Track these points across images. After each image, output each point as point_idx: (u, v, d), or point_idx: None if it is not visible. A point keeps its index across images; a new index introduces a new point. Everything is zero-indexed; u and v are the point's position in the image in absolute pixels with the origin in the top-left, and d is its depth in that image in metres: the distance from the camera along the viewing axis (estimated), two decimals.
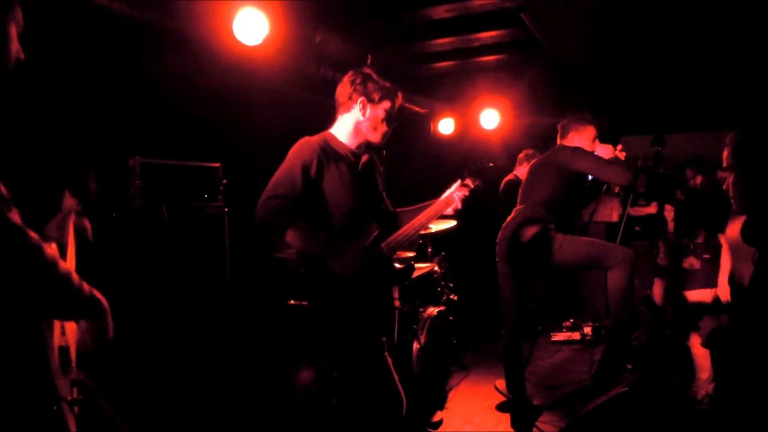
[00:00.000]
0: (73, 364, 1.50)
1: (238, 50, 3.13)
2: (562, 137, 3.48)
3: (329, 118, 2.32)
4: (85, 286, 1.30)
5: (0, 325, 1.20)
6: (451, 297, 4.26)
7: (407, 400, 2.24)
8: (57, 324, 1.42)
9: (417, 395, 3.14)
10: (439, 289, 4.16)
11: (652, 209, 5.22)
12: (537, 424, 3.33)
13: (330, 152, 2.18)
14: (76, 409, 1.42)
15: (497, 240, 3.42)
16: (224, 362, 3.16)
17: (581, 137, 3.40)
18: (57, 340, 1.40)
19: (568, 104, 4.69)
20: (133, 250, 2.76)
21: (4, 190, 1.13)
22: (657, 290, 4.35)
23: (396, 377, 2.23)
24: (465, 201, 2.37)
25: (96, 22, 2.76)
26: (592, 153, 3.32)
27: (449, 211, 2.36)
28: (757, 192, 1.78)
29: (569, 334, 5.17)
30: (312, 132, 2.24)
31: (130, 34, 2.94)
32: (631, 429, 2.64)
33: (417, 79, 5.50)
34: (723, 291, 3.33)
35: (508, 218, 3.42)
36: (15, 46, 1.29)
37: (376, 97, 2.19)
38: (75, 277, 1.26)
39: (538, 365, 4.50)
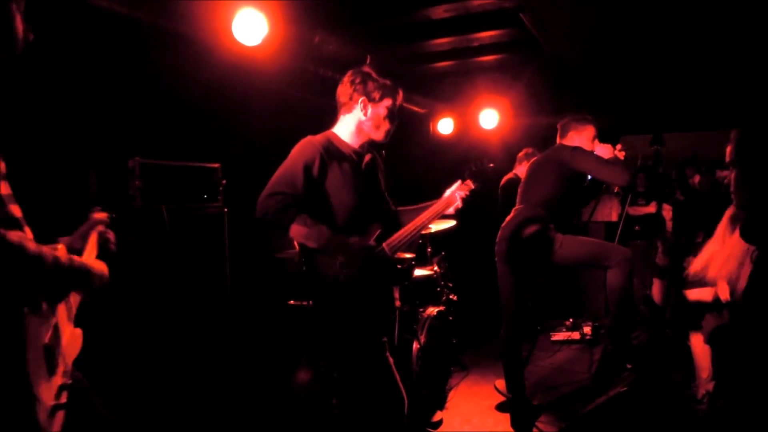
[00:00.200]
0: (67, 369, 1.46)
1: (237, 50, 3.14)
2: (562, 136, 3.48)
3: (329, 118, 2.31)
4: (63, 258, 1.28)
5: None
6: (451, 297, 4.26)
7: (408, 400, 2.24)
8: (50, 324, 1.38)
9: (417, 395, 3.14)
10: (438, 289, 4.16)
11: (651, 209, 5.24)
12: (537, 424, 3.33)
13: (333, 151, 2.17)
14: (61, 414, 1.35)
15: (497, 240, 3.42)
16: (224, 363, 3.16)
17: (581, 136, 3.40)
18: (44, 339, 1.35)
19: (567, 104, 4.69)
20: (132, 251, 2.75)
21: None
22: (656, 290, 4.35)
23: (398, 377, 2.23)
24: (465, 200, 2.38)
25: (96, 23, 2.76)
26: (591, 153, 3.32)
27: (450, 210, 2.37)
28: (757, 190, 1.77)
29: (569, 333, 5.16)
30: (311, 132, 2.24)
31: (130, 35, 2.94)
32: (631, 429, 2.64)
33: (416, 79, 5.50)
34: (723, 290, 3.33)
35: (508, 218, 3.41)
36: (20, 25, 1.26)
37: (377, 95, 2.18)
38: (47, 252, 1.23)
39: (537, 365, 4.49)
